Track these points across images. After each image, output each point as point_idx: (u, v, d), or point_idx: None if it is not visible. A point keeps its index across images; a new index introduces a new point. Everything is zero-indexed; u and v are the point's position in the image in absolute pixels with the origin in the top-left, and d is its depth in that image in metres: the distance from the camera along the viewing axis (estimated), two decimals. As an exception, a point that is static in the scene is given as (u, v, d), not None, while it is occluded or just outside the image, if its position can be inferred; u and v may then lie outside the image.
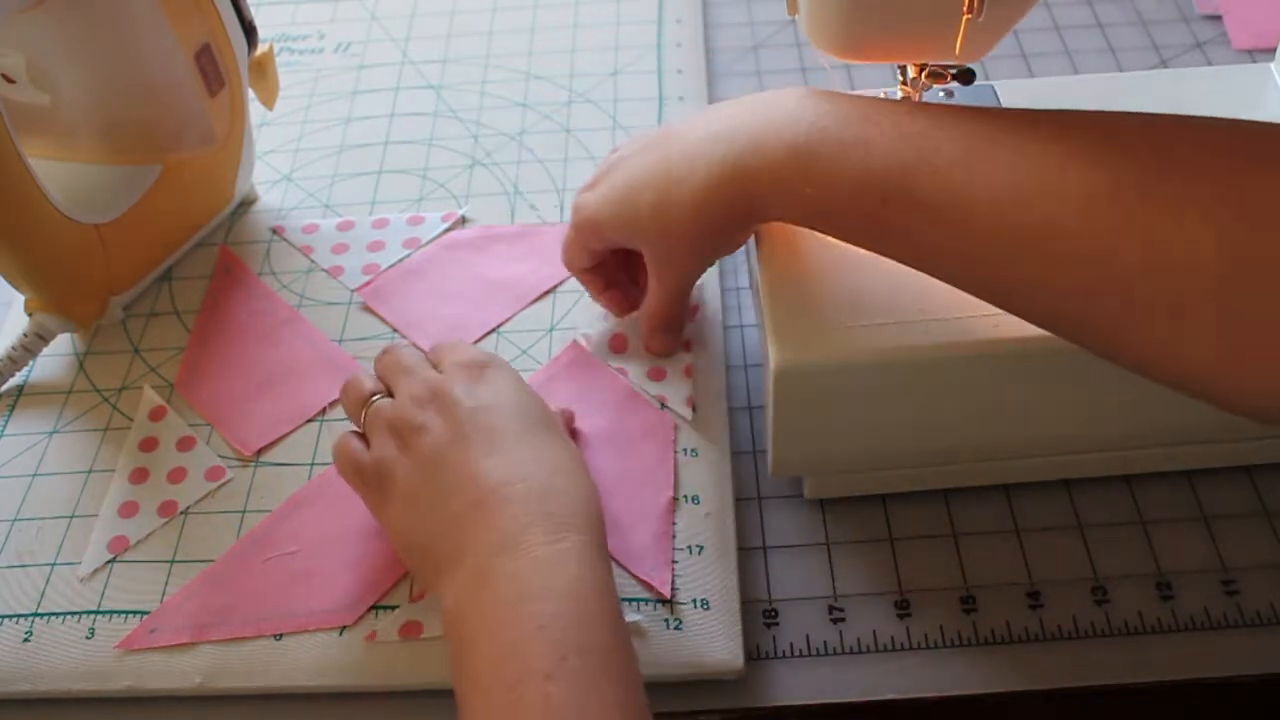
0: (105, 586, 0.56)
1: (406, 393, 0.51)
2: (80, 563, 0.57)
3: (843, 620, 0.53)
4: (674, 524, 0.55)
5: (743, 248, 0.59)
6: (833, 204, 0.46)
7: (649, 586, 0.52)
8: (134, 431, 0.62)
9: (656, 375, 0.60)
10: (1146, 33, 0.82)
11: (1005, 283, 0.43)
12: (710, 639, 0.51)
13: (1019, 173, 0.41)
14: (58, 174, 0.62)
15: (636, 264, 0.59)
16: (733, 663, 0.51)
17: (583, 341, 0.62)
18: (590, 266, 0.60)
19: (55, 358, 0.67)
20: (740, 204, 0.49)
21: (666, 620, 0.52)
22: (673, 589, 0.53)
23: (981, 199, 0.41)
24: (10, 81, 0.62)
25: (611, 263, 0.61)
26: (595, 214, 0.55)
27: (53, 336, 0.64)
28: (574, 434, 0.57)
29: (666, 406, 0.59)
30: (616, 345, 0.62)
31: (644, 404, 0.59)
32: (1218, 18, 0.82)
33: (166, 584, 0.55)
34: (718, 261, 0.62)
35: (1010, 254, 0.41)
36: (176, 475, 0.60)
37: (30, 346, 0.64)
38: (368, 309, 0.67)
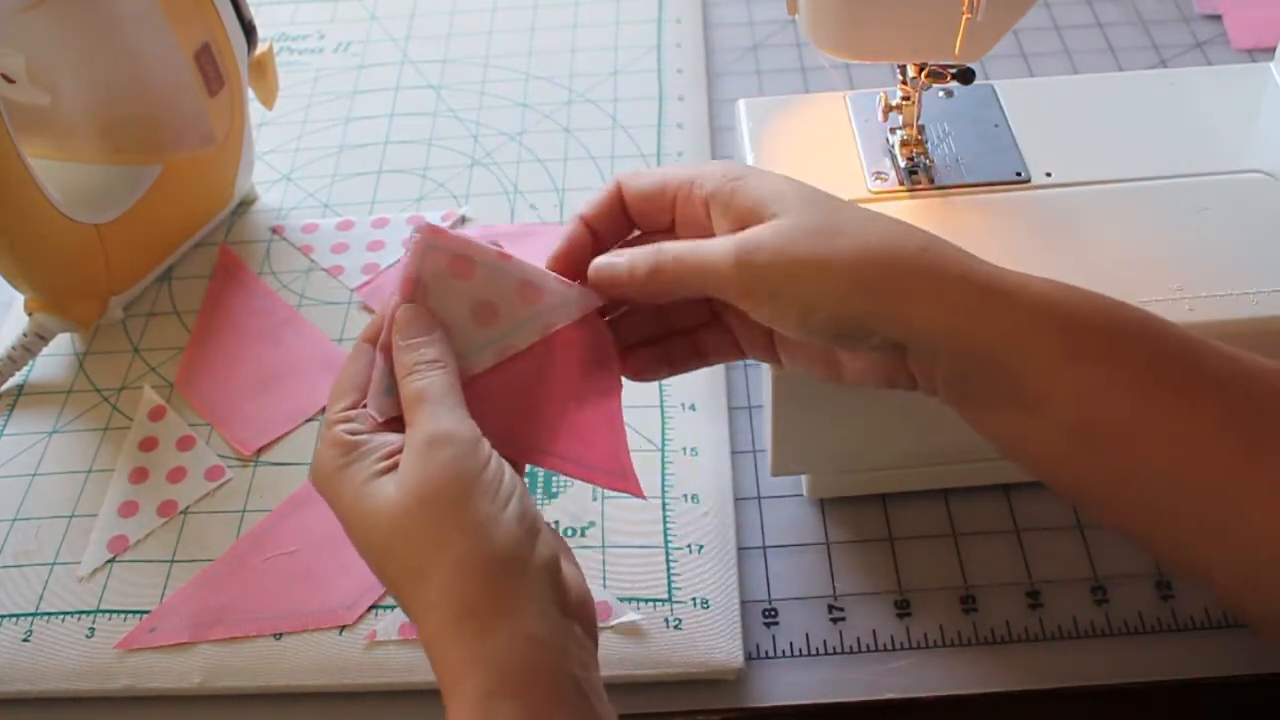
0: (105, 586, 0.56)
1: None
2: (80, 562, 0.57)
3: (842, 620, 0.53)
4: (622, 411, 0.45)
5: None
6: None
7: (628, 488, 0.45)
8: (134, 431, 0.62)
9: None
10: (1146, 32, 0.82)
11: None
12: (710, 638, 0.51)
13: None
14: (58, 174, 0.62)
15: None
16: (732, 662, 0.51)
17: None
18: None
19: (55, 358, 0.67)
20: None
21: (666, 620, 0.52)
22: (672, 588, 0.53)
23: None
24: (10, 81, 0.62)
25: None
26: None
27: (53, 336, 0.64)
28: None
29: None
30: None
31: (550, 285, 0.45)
32: (1218, 17, 0.82)
33: (166, 584, 0.55)
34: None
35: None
36: (176, 475, 0.60)
37: (30, 346, 0.64)
38: (367, 309, 0.67)
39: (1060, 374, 0.38)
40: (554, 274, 0.45)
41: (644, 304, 0.45)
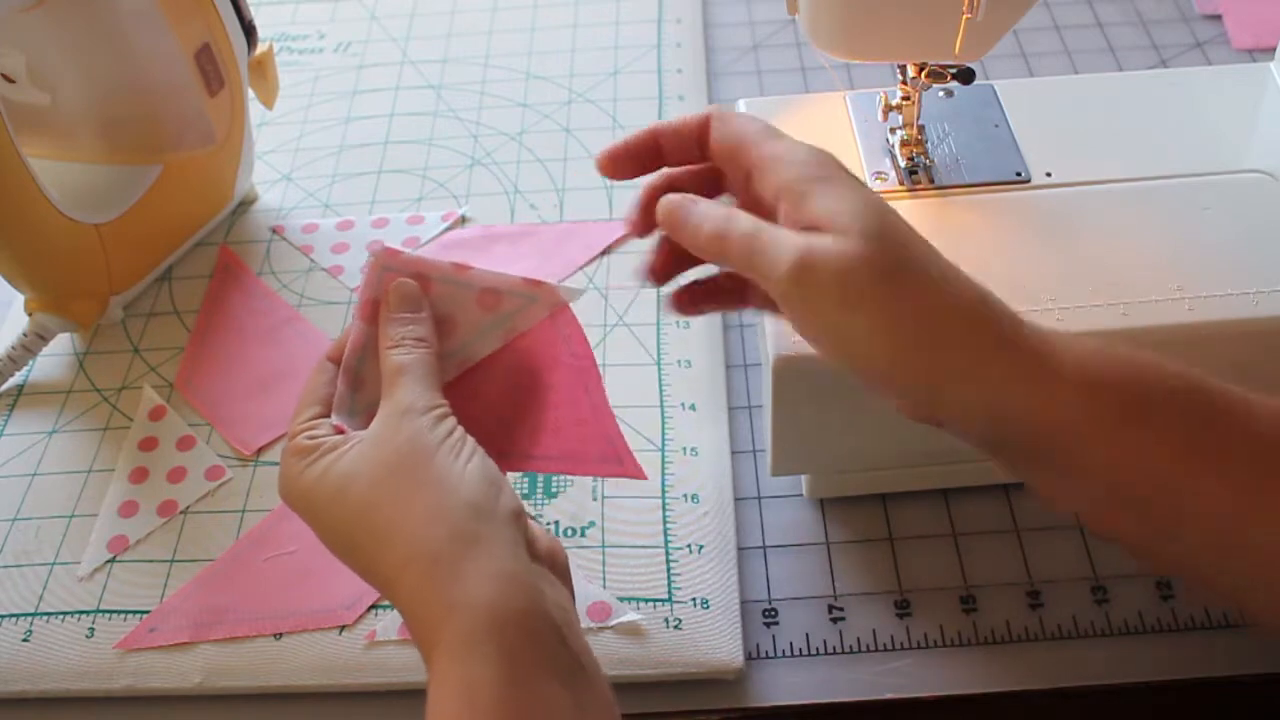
0: (105, 586, 0.56)
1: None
2: (80, 562, 0.57)
3: (842, 620, 0.53)
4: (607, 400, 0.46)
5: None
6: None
7: (626, 473, 0.45)
8: (134, 431, 0.62)
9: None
10: (1146, 32, 0.82)
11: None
12: (710, 638, 0.51)
13: None
14: (58, 174, 0.62)
15: None
16: (732, 662, 0.51)
17: None
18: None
19: (55, 358, 0.67)
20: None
21: (666, 620, 0.52)
22: (672, 588, 0.53)
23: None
24: (10, 81, 0.62)
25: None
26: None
27: (53, 336, 0.64)
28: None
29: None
30: None
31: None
32: (1218, 17, 0.82)
33: (166, 583, 0.55)
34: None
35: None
36: (176, 475, 0.60)
37: (30, 346, 0.64)
38: (368, 309, 0.67)
39: (1096, 447, 0.37)
40: (519, 277, 0.45)
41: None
